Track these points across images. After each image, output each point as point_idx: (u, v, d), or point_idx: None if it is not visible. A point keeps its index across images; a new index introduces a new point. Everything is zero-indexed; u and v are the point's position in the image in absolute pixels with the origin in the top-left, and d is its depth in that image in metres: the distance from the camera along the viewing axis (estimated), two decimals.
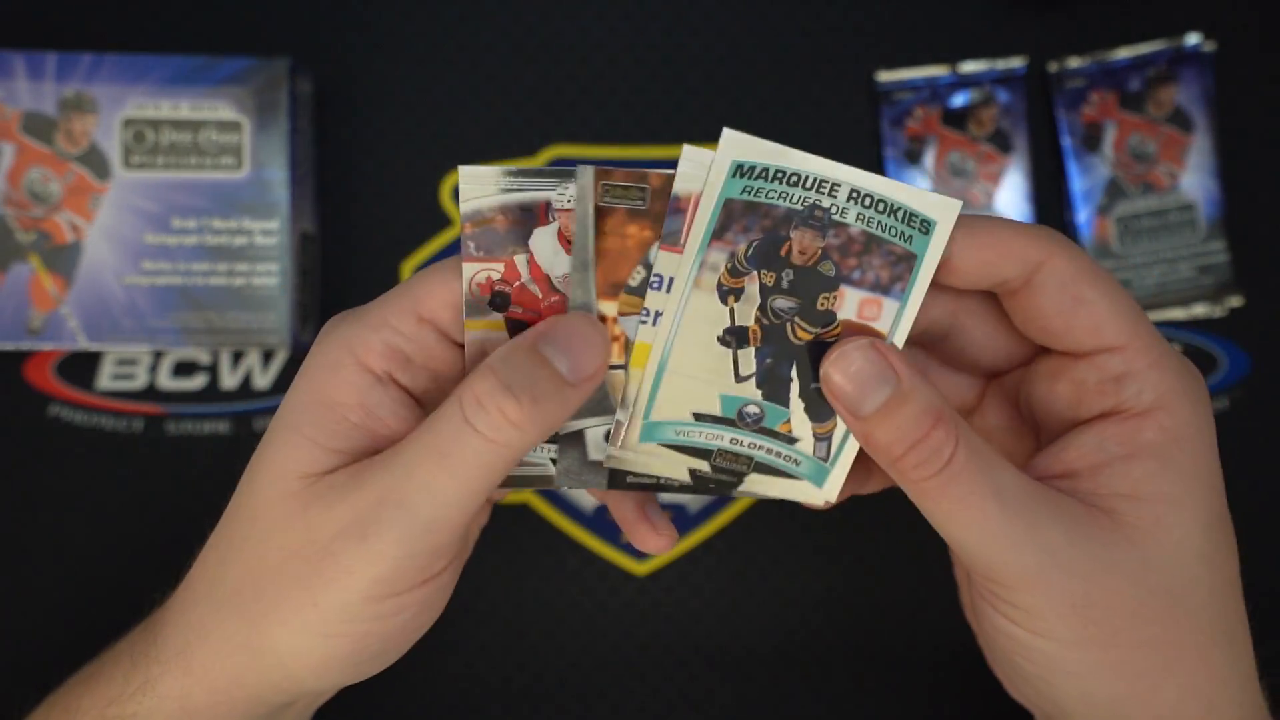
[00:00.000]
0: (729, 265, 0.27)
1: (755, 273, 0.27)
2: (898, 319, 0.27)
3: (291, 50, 0.45)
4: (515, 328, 0.28)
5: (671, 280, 0.27)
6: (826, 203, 0.27)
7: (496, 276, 0.28)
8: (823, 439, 0.29)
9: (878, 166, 0.46)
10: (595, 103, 0.46)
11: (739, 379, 0.28)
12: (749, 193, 0.27)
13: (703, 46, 0.46)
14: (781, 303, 0.28)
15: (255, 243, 0.42)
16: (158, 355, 0.45)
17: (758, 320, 0.28)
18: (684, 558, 0.46)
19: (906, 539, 0.46)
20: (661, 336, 0.28)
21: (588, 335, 0.27)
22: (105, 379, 0.45)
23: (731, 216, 0.27)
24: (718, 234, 0.27)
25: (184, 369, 0.45)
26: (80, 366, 0.45)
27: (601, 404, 0.29)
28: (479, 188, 0.27)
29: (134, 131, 0.42)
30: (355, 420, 0.28)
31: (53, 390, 0.45)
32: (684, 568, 0.46)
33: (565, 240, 0.28)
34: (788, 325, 0.28)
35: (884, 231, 0.27)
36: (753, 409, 0.29)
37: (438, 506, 0.27)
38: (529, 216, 0.28)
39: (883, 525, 0.46)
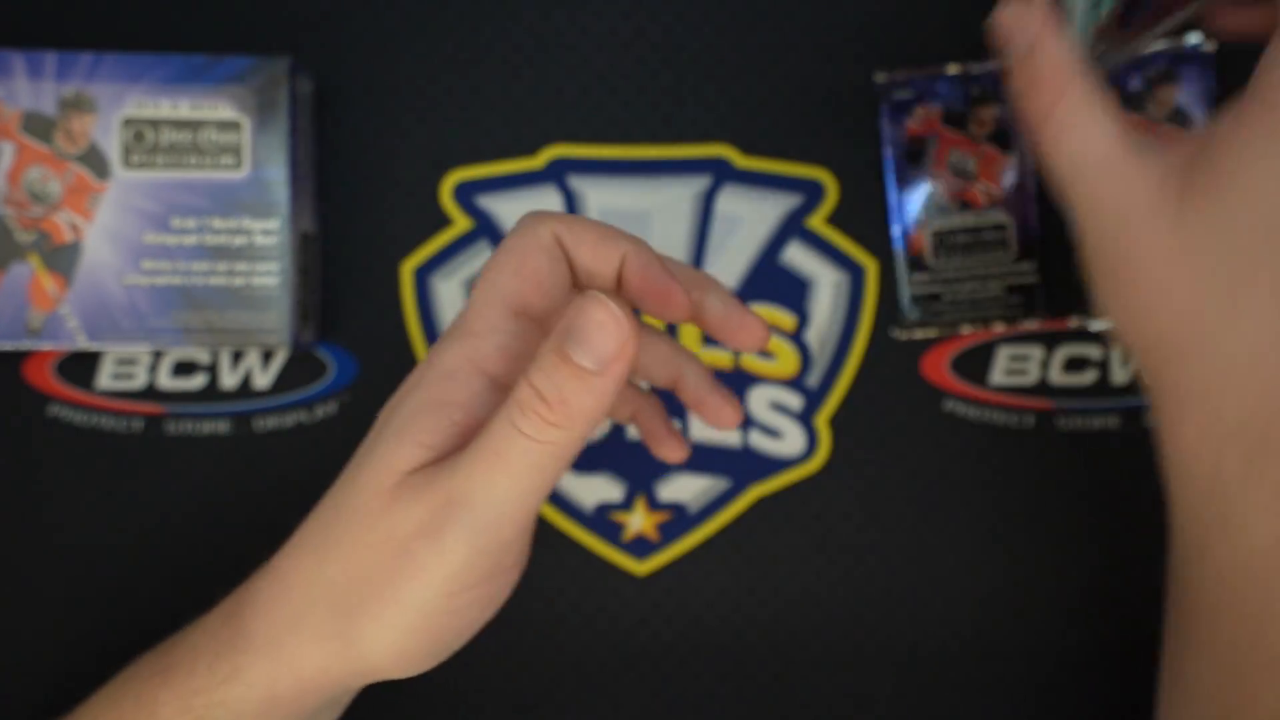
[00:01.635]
0: None
1: None
2: None
3: (292, 50, 0.45)
4: None
5: None
6: None
7: None
8: None
9: (877, 166, 0.46)
10: (595, 102, 0.46)
11: None
12: None
13: (703, 46, 0.46)
14: None
15: (255, 242, 0.42)
16: (157, 355, 0.45)
17: None
18: (684, 558, 0.46)
19: (908, 540, 0.46)
20: None
21: (603, 323, 0.27)
22: (105, 379, 0.45)
23: None
24: None
25: (184, 369, 0.45)
26: (80, 366, 0.45)
27: None
28: None
29: (134, 131, 0.42)
30: (459, 419, 0.30)
31: (52, 390, 0.45)
32: (684, 568, 0.46)
33: None
34: None
35: None
36: None
37: (498, 505, 0.29)
38: None
39: (884, 526, 0.46)
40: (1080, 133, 0.32)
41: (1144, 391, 0.35)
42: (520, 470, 0.28)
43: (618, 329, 0.27)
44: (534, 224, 0.33)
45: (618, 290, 0.34)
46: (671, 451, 0.40)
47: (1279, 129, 0.30)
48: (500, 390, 0.31)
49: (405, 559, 0.29)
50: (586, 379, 0.27)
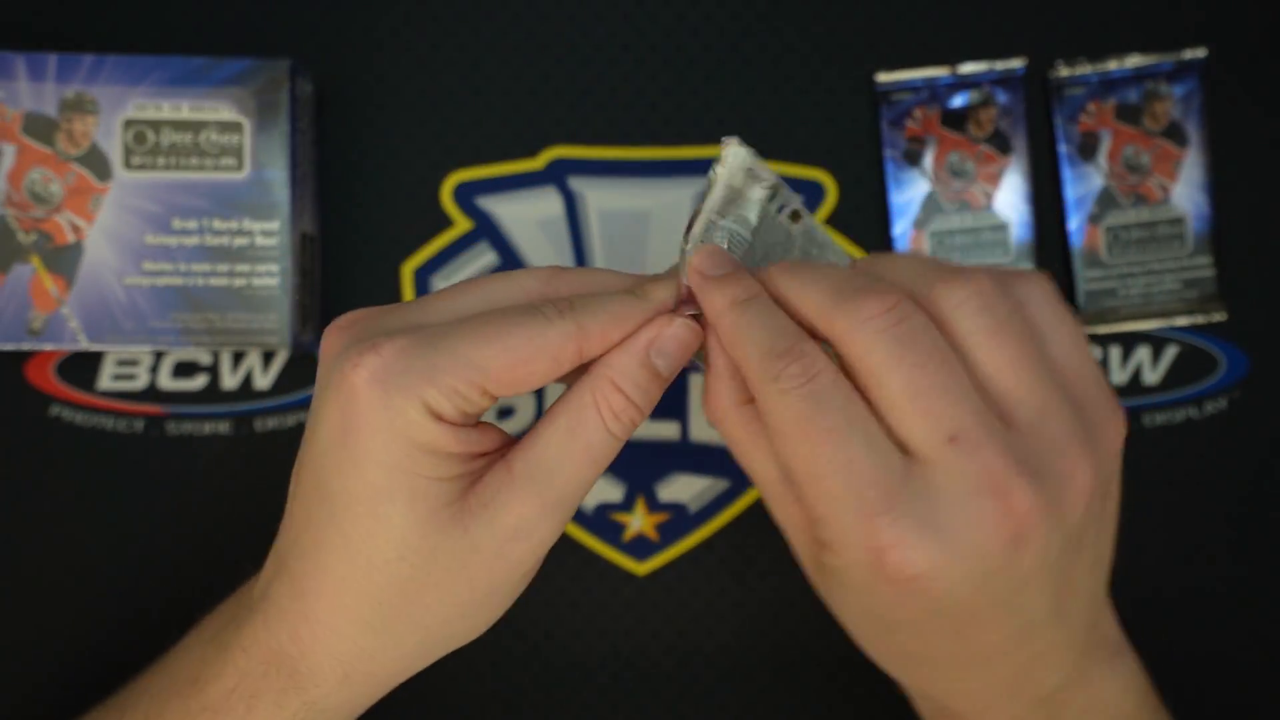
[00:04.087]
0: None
1: None
2: None
3: (292, 51, 0.45)
4: None
5: None
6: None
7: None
8: None
9: (877, 167, 0.46)
10: (596, 103, 0.47)
11: None
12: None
13: (703, 47, 0.47)
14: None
15: (256, 243, 0.42)
16: (158, 356, 0.45)
17: None
18: (684, 558, 0.46)
19: None
20: None
21: (687, 341, 0.32)
22: (106, 379, 0.45)
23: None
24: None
25: (185, 369, 0.45)
26: (81, 367, 0.45)
27: None
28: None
29: (135, 132, 0.42)
30: (459, 456, 0.31)
31: (54, 391, 0.45)
32: (684, 568, 0.46)
33: None
34: None
35: None
36: None
37: (581, 494, 0.32)
38: None
39: None
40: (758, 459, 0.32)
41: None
42: (605, 462, 0.31)
43: (696, 346, 0.32)
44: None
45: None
46: None
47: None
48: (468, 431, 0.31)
49: (498, 562, 0.31)
50: (663, 384, 0.32)
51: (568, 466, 0.31)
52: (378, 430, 0.29)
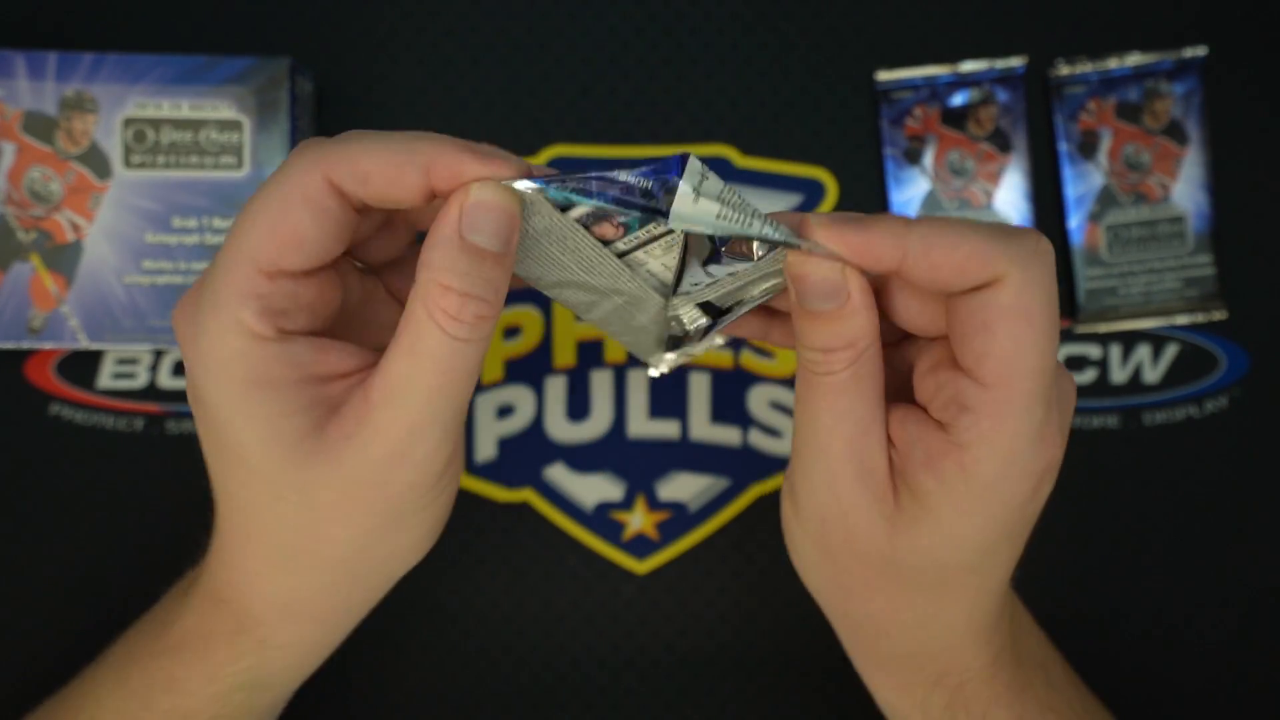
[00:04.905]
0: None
1: None
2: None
3: (292, 50, 0.45)
4: None
5: None
6: None
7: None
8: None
9: (877, 166, 0.46)
10: (596, 102, 0.47)
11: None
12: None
13: (703, 46, 0.47)
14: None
15: None
16: (158, 354, 0.45)
17: None
18: (684, 557, 0.46)
19: None
20: None
21: (497, 204, 0.27)
22: (106, 378, 0.45)
23: None
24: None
25: (184, 368, 0.45)
26: (81, 366, 0.45)
27: None
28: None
29: (134, 131, 0.42)
30: (297, 382, 0.29)
31: (53, 389, 0.45)
32: (684, 568, 0.46)
33: None
34: None
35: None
36: None
37: (454, 406, 0.29)
38: None
39: None
40: (835, 410, 0.30)
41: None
42: (448, 365, 0.28)
43: (511, 210, 0.27)
44: (299, 167, 0.28)
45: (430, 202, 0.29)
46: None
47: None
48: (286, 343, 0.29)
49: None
50: (494, 259, 0.28)
51: (421, 385, 0.28)
52: (208, 380, 0.28)
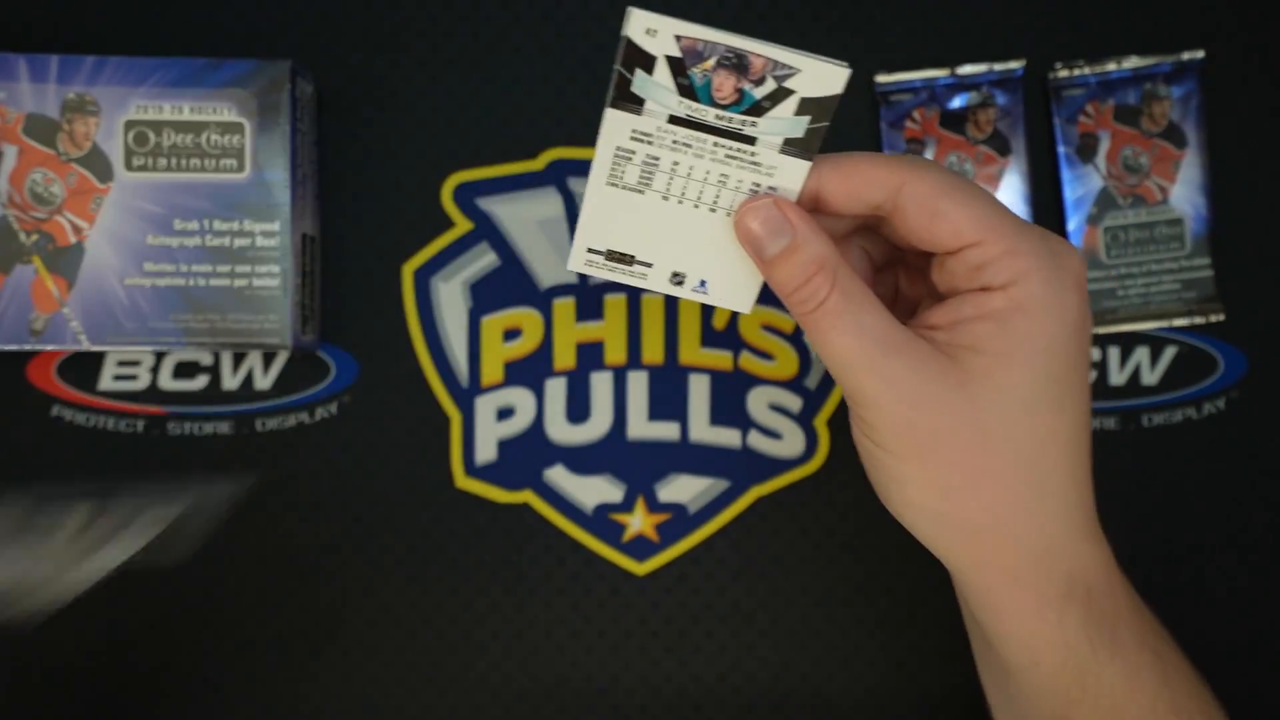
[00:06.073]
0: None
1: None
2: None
3: (293, 52, 0.45)
4: None
5: None
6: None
7: None
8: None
9: None
10: (596, 104, 0.47)
11: None
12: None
13: None
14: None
15: (257, 244, 0.42)
16: (159, 356, 0.46)
17: None
18: (684, 558, 0.46)
19: (905, 540, 0.46)
20: None
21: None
22: (107, 380, 0.45)
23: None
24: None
25: (185, 370, 0.46)
26: (82, 368, 0.45)
27: None
28: None
29: (136, 133, 0.42)
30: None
31: (55, 391, 0.45)
32: (684, 568, 0.46)
33: None
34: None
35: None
36: None
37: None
38: None
39: (882, 526, 0.46)
40: (846, 332, 0.32)
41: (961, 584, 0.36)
42: None
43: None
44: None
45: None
46: None
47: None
48: None
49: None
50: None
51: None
52: None
